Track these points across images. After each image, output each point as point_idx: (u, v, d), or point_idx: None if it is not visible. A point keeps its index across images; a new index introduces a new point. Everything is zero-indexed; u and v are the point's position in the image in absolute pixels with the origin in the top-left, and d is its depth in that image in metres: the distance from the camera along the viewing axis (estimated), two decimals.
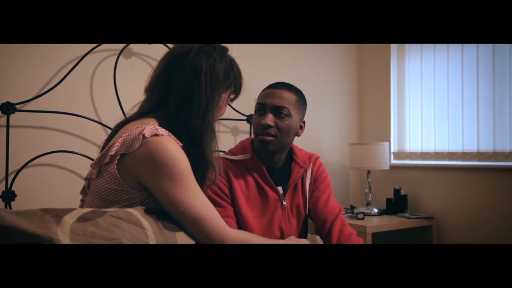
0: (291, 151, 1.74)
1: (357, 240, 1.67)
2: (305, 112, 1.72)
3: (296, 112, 1.65)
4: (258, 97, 1.69)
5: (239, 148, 1.72)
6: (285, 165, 1.72)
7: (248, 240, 1.27)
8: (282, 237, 1.68)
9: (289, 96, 1.64)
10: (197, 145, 1.23)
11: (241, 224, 1.64)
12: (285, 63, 2.98)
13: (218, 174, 1.29)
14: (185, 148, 1.20)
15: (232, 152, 1.73)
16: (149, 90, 1.30)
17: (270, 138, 1.61)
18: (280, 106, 1.61)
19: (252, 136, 1.82)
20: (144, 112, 1.28)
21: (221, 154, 1.75)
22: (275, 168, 1.69)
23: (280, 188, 1.70)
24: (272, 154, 1.66)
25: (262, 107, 1.64)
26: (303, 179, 1.74)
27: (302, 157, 1.75)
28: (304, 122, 1.72)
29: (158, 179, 1.14)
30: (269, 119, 1.61)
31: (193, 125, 1.22)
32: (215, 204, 1.56)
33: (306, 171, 1.74)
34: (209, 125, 1.24)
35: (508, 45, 2.62)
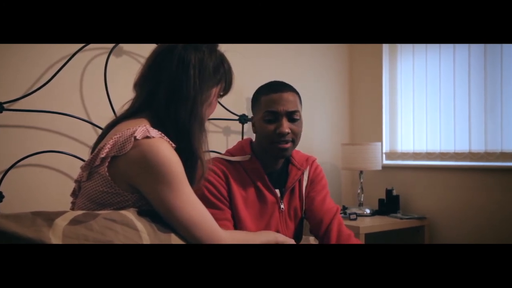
0: None
1: (356, 241, 1.65)
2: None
3: (301, 112, 1.65)
4: (262, 103, 1.61)
5: (237, 149, 1.69)
6: (282, 168, 1.70)
7: (241, 239, 1.27)
8: None
9: (295, 98, 1.62)
10: (186, 139, 1.21)
11: (238, 227, 1.61)
12: (276, 63, 2.97)
13: (206, 169, 1.28)
14: (176, 146, 1.18)
15: (230, 153, 1.69)
16: (138, 85, 1.28)
17: (289, 145, 1.59)
18: (293, 111, 1.59)
19: (247, 137, 1.80)
20: (134, 109, 1.26)
21: (219, 154, 1.74)
22: (273, 170, 1.67)
23: (277, 191, 1.68)
24: (283, 158, 1.66)
25: (274, 114, 1.58)
26: (300, 182, 1.71)
27: (299, 159, 1.72)
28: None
29: (151, 182, 1.12)
30: (286, 126, 1.57)
31: (181, 118, 1.20)
32: (213, 206, 1.54)
33: (303, 173, 1.72)
34: (197, 118, 1.22)
35: (499, 45, 2.63)
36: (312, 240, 2.01)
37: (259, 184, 1.64)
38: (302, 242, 1.88)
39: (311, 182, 1.74)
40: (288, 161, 1.71)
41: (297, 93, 1.65)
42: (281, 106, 1.58)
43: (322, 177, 1.77)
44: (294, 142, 1.61)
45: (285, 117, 1.58)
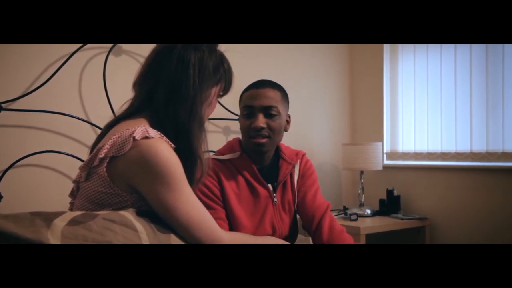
0: (277, 149, 1.75)
1: (348, 237, 1.68)
2: (288, 106, 1.72)
3: (283, 109, 1.66)
4: (243, 99, 1.67)
5: (227, 148, 1.72)
6: (273, 163, 1.72)
7: (242, 241, 1.27)
8: (274, 234, 1.68)
9: (274, 94, 1.63)
10: (185, 139, 1.21)
11: (233, 224, 1.63)
12: (276, 63, 2.95)
13: (206, 169, 1.28)
14: (176, 146, 1.18)
15: (220, 152, 1.73)
16: (138, 84, 1.27)
17: (264, 140, 1.61)
18: (269, 106, 1.61)
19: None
20: (133, 109, 1.25)
21: (212, 155, 1.74)
22: (263, 166, 1.70)
23: (269, 186, 1.70)
24: (264, 153, 1.66)
25: (250, 109, 1.62)
26: (291, 175, 1.75)
27: (289, 154, 1.76)
28: (289, 116, 1.72)
29: (151, 183, 1.12)
30: (261, 121, 1.60)
31: (181, 117, 1.19)
32: (205, 206, 1.54)
33: (294, 167, 1.75)
34: (197, 118, 1.22)
35: (501, 45, 2.62)
36: (311, 241, 2.00)
37: (250, 179, 1.66)
38: (303, 242, 1.89)
39: (302, 175, 1.76)
40: (279, 156, 1.74)
41: (281, 91, 1.67)
42: (257, 101, 1.61)
43: (313, 171, 1.80)
44: (271, 137, 1.62)
45: (261, 112, 1.61)
